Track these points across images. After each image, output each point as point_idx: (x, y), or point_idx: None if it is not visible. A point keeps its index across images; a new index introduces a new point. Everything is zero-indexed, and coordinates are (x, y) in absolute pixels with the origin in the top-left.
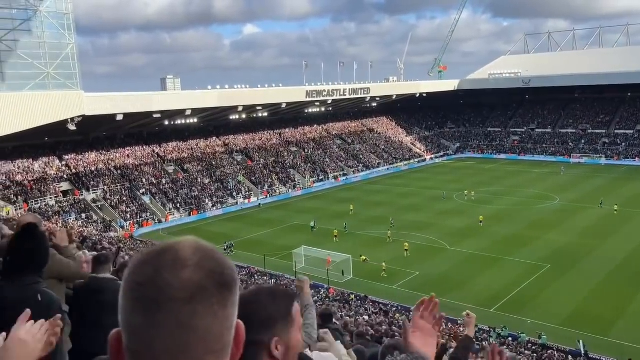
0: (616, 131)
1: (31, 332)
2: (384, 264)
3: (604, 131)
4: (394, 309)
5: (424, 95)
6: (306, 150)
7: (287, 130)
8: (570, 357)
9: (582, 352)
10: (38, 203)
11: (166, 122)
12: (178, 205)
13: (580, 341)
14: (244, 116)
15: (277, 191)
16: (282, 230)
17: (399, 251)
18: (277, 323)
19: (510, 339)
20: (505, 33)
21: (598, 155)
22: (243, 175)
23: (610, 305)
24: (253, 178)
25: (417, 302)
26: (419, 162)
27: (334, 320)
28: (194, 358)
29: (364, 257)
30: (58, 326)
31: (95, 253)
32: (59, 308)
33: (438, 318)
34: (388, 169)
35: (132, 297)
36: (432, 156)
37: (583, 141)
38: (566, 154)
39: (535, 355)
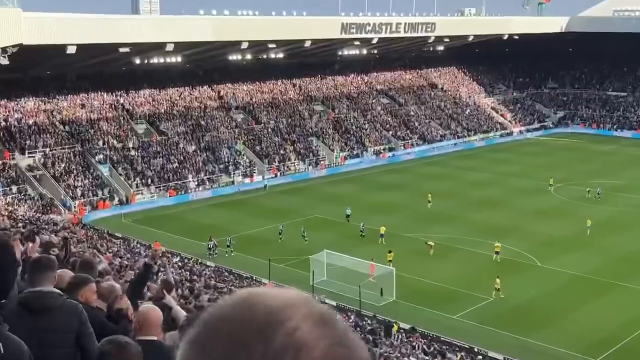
0: None
1: None
2: (497, 280)
3: None
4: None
5: (515, 37)
6: (337, 111)
7: (311, 80)
8: None
9: None
10: None
11: (137, 61)
12: (149, 180)
13: None
14: (248, 57)
15: (292, 168)
16: (297, 225)
17: (464, 266)
18: None
19: None
20: None
21: None
22: (244, 143)
23: None
24: (258, 147)
25: None
26: (502, 136)
27: None
28: None
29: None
30: None
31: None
32: None
33: None
34: (456, 144)
35: None
36: (523, 129)
37: None
38: None
39: None
